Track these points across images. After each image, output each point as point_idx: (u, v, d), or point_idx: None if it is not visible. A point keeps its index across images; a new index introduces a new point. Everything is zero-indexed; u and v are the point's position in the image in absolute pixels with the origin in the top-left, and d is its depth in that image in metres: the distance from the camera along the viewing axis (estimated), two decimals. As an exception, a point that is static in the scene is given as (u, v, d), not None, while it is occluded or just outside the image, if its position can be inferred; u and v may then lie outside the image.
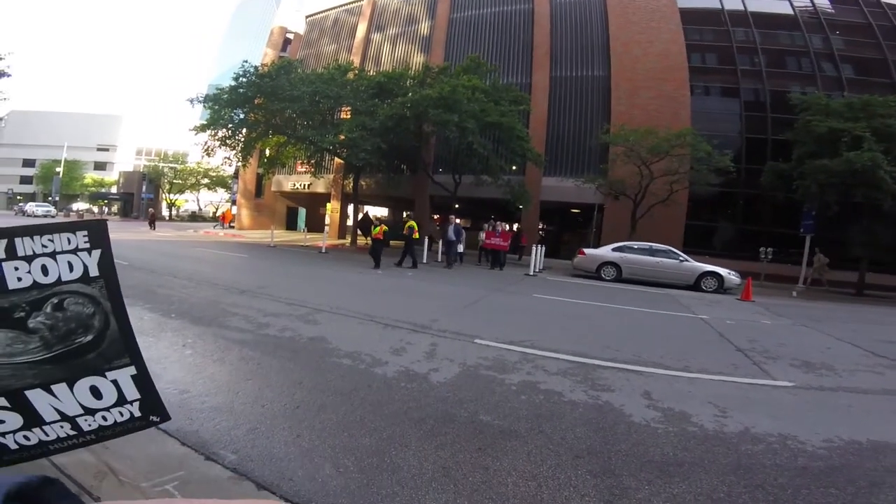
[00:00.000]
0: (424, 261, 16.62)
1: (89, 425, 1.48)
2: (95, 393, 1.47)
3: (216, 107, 20.53)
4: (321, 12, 35.45)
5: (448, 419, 3.30)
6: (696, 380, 4.76)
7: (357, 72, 23.76)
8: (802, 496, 2.58)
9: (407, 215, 18.90)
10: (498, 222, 17.78)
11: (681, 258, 15.15)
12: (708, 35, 24.48)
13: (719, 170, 18.16)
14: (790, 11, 24.25)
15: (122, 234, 23.46)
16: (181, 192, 54.09)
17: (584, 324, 7.80)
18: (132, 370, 1.51)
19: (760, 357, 5.93)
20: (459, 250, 16.90)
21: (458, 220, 17.82)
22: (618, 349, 5.75)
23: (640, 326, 7.88)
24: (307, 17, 36.30)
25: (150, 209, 35.14)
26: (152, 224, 29.18)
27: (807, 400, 4.41)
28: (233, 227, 34.06)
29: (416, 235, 15.54)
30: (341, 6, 34.12)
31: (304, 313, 6.67)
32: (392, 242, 23.36)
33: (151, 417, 1.59)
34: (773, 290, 16.26)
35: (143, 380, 1.54)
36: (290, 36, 37.31)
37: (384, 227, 14.91)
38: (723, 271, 14.53)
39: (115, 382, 1.49)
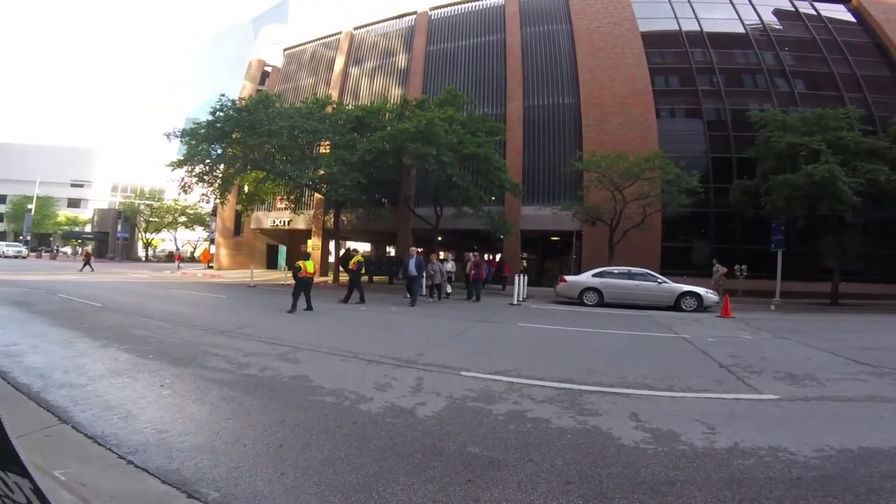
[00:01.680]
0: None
1: None
2: None
3: (193, 141, 20.31)
4: (299, 45, 35.94)
5: (436, 452, 3.24)
6: (681, 398, 4.78)
7: (335, 105, 23.95)
8: None
9: (352, 250, 18.47)
10: (474, 252, 18.03)
11: (659, 280, 15.40)
12: (669, 57, 25.56)
13: (689, 190, 18.65)
14: (742, 30, 25.58)
15: (99, 275, 23.00)
16: (158, 230, 52.97)
17: (568, 350, 7.80)
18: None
19: (744, 372, 6.00)
20: (434, 282, 16.12)
21: (419, 251, 17.42)
22: (603, 373, 5.76)
23: (623, 349, 7.91)
24: (285, 50, 36.70)
25: (85, 248, 33.58)
26: (87, 264, 26.24)
27: (793, 411, 4.43)
28: (211, 268, 33.16)
29: (364, 271, 15.37)
30: (319, 40, 34.70)
31: (285, 352, 6.55)
32: (376, 278, 23.34)
33: None
34: (752, 305, 16.57)
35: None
36: (269, 69, 37.56)
37: (359, 258, 14.76)
38: (701, 290, 14.79)
39: None
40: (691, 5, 26.17)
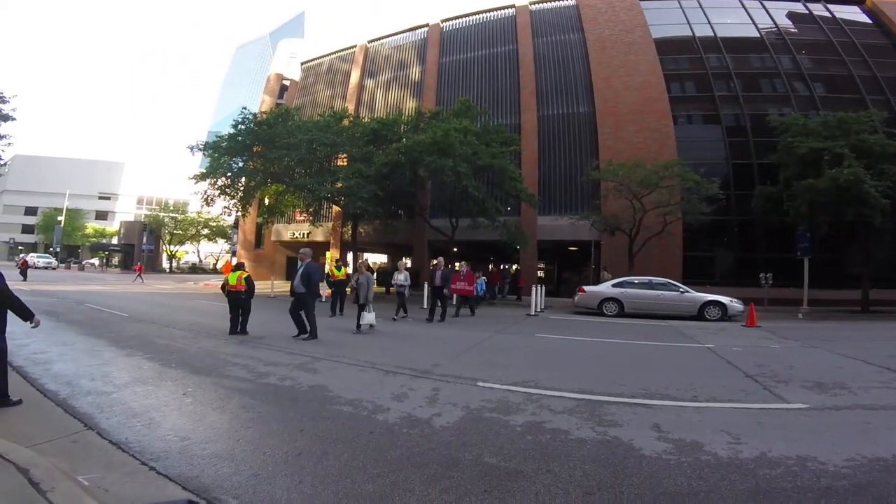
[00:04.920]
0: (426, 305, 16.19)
1: None
2: None
3: (216, 154, 20.78)
4: (316, 59, 36.65)
5: (452, 463, 3.21)
6: (705, 409, 4.68)
7: (352, 118, 24.22)
8: None
9: (336, 261, 17.74)
10: (463, 263, 15.79)
11: (681, 290, 15.15)
12: (683, 63, 25.32)
13: (709, 198, 18.36)
14: (756, 34, 25.25)
15: (122, 286, 23.58)
16: (181, 242, 54.10)
17: (588, 361, 7.71)
18: None
19: (771, 381, 5.86)
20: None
21: (409, 264, 16.73)
22: (624, 384, 5.66)
23: (645, 360, 7.79)
24: (302, 63, 37.46)
25: (21, 256, 33.60)
26: (24, 274, 24.34)
27: (823, 420, 4.29)
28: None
29: (342, 279, 14.32)
30: (335, 53, 35.33)
31: (304, 362, 6.61)
32: (377, 289, 23.11)
33: None
34: (778, 314, 16.19)
35: None
36: (287, 83, 38.28)
37: (346, 270, 14.67)
38: (725, 299, 14.49)
39: None
40: (704, 11, 26.00)
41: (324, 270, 12.42)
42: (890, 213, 15.60)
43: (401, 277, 13.03)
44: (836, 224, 16.77)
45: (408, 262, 14.82)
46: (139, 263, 33.59)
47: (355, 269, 13.37)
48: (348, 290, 13.74)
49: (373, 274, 13.66)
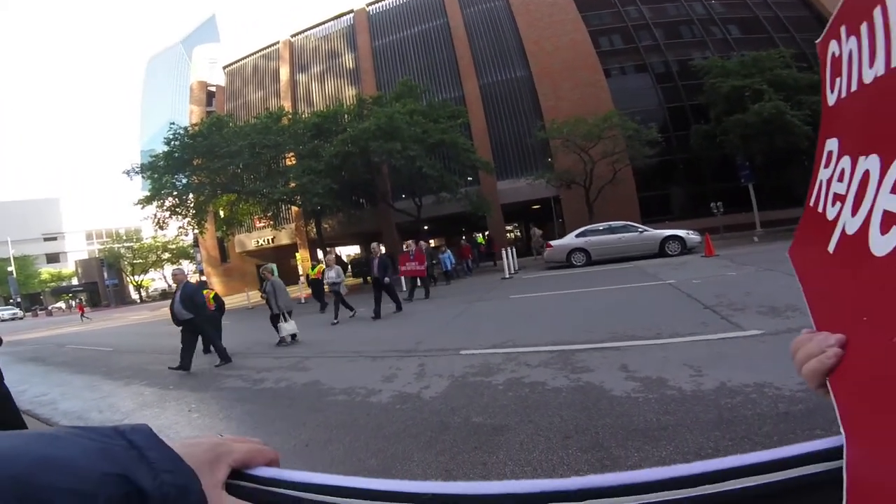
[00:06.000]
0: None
1: None
2: None
3: (155, 175, 20.02)
4: (238, 61, 35.45)
5: (444, 427, 3.51)
6: (668, 345, 4.94)
7: (291, 116, 23.76)
8: (790, 441, 2.75)
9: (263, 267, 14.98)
10: (410, 241, 13.60)
11: (639, 230, 15.75)
12: (606, 18, 25.97)
13: (650, 142, 19.20)
14: None
15: (99, 323, 23.04)
16: (144, 271, 52.55)
17: (559, 314, 8.04)
18: None
19: (728, 310, 6.13)
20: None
21: (383, 250, 13.98)
22: (592, 331, 6.04)
23: (612, 304, 8.13)
24: (224, 67, 36.12)
25: None
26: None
27: (777, 345, 4.45)
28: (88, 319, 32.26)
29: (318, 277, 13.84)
30: (258, 52, 34.31)
31: (294, 362, 6.80)
32: (353, 281, 23.15)
33: None
34: (734, 240, 17.06)
35: None
36: (213, 89, 36.80)
37: (322, 267, 13.77)
38: (682, 233, 15.15)
39: None
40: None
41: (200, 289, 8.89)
42: (814, 138, 16.65)
43: (332, 274, 11.08)
44: (770, 152, 17.87)
45: (382, 248, 13.45)
46: (80, 303, 32.55)
47: (326, 264, 11.72)
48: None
49: (344, 269, 13.56)
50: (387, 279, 10.59)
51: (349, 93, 28.23)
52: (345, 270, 12.11)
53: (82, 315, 28.44)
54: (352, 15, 30.44)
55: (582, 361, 4.76)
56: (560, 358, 5.00)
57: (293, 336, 8.55)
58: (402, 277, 14.09)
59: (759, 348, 4.50)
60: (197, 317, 7.30)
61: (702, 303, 6.90)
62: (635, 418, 3.22)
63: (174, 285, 7.66)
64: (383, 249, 22.64)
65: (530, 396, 3.96)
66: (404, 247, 13.04)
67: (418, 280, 13.53)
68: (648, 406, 3.39)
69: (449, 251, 18.30)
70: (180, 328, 7.29)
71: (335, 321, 10.38)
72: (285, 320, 8.47)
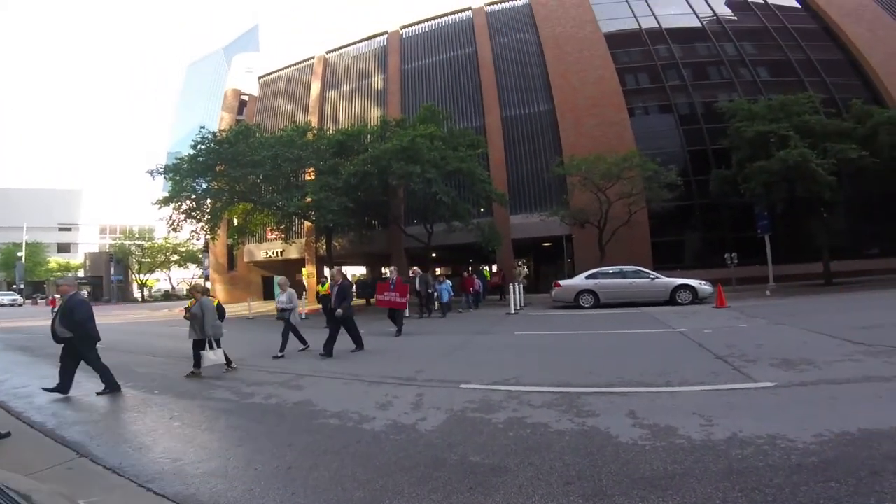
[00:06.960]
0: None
1: None
2: None
3: (177, 177, 20.18)
4: (273, 73, 36.09)
5: (438, 464, 3.32)
6: (678, 393, 4.82)
7: (316, 131, 23.99)
8: (802, 493, 2.55)
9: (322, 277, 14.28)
10: (392, 269, 12.78)
11: (651, 276, 15.54)
12: (634, 56, 26.12)
13: (669, 185, 19.00)
14: (698, 24, 26.35)
15: (99, 318, 22.80)
16: (151, 270, 52.72)
17: (565, 354, 7.87)
18: None
19: (740, 361, 6.04)
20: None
21: (347, 275, 11.43)
22: (599, 374, 5.85)
23: (620, 348, 7.98)
24: (259, 78, 36.81)
25: None
26: None
27: (790, 397, 4.41)
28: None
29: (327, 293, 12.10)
30: (293, 66, 34.91)
31: (287, 379, 6.63)
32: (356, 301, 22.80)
33: None
34: (747, 292, 16.77)
35: None
36: (245, 98, 37.50)
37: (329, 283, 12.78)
38: (694, 282, 14.93)
39: None
40: (647, 2, 26.94)
41: (89, 305, 7.55)
42: (837, 188, 16.47)
43: (283, 298, 9.50)
44: (791, 201, 17.59)
45: (394, 270, 12.09)
46: (52, 297, 32.31)
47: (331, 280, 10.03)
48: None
49: (351, 286, 13.12)
50: (339, 311, 8.60)
51: (374, 113, 28.56)
52: (350, 289, 9.79)
53: (53, 309, 28.29)
54: (385, 36, 31.10)
55: (588, 405, 4.58)
56: (565, 400, 4.80)
57: (228, 364, 7.50)
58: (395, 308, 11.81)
59: (772, 400, 4.41)
60: (78, 336, 6.10)
61: (713, 352, 6.77)
62: (642, 466, 3.09)
63: (59, 297, 6.46)
64: (356, 276, 21.81)
65: (532, 438, 3.77)
66: (387, 272, 11.36)
67: (396, 312, 11.54)
68: (656, 454, 3.25)
69: (448, 282, 17.20)
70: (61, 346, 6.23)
71: (279, 354, 8.57)
72: (212, 348, 7.21)
